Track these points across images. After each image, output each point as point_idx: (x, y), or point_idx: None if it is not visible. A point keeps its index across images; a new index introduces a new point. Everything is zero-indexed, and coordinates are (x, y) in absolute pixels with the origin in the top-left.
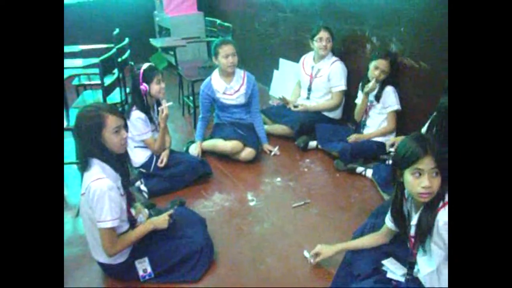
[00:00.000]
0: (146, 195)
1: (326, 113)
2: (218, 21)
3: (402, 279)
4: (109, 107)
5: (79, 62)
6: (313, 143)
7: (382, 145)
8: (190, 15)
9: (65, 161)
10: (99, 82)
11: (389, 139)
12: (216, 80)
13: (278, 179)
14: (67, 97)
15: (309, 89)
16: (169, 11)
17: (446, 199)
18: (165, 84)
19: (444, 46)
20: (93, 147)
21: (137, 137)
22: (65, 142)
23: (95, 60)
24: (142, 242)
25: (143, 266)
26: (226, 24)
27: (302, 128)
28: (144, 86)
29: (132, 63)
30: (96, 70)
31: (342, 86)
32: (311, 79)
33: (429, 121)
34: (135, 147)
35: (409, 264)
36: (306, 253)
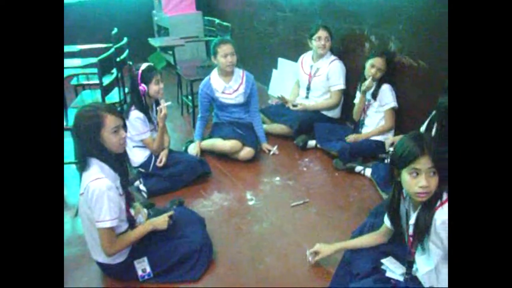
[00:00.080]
0: (145, 195)
1: (325, 112)
2: (217, 21)
3: (401, 278)
4: (107, 107)
5: (77, 61)
6: (312, 142)
7: (381, 144)
8: (189, 14)
9: (64, 161)
10: (97, 81)
11: (388, 138)
12: (215, 80)
13: (277, 178)
14: (65, 97)
15: (308, 88)
16: (168, 10)
17: (444, 198)
18: (163, 83)
19: (443, 44)
20: (92, 147)
21: (136, 137)
22: (64, 142)
23: (94, 60)
24: (141, 242)
25: (142, 266)
26: (224, 23)
27: (301, 127)
28: (142, 87)
29: (131, 62)
30: (95, 70)
31: (341, 85)
32: (310, 78)
33: (428, 120)
34: (134, 146)
35: (408, 263)
36: (307, 252)
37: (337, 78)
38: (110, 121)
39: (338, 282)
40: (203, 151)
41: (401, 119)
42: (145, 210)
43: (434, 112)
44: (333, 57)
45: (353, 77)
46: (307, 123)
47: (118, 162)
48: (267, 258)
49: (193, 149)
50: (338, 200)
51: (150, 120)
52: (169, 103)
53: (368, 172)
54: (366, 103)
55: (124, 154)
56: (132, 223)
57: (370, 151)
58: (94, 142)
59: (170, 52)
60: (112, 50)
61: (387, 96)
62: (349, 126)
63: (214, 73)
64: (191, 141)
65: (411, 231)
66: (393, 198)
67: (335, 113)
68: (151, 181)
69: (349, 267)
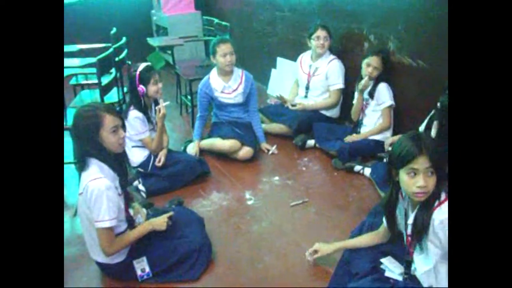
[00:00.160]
0: (144, 195)
1: (324, 112)
2: (216, 20)
3: (400, 278)
4: (106, 106)
5: (76, 61)
6: (311, 142)
7: (379, 143)
8: (188, 14)
9: (64, 161)
10: (96, 81)
11: (386, 137)
12: (214, 79)
13: (276, 178)
14: (64, 96)
15: (307, 88)
16: (167, 10)
17: (442, 198)
18: (162, 83)
19: (442, 44)
20: (91, 147)
21: (135, 137)
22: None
23: (93, 60)
24: (140, 241)
25: (141, 266)
26: (223, 23)
27: (300, 127)
28: (141, 88)
29: (130, 62)
30: (94, 70)
31: (340, 85)
32: (309, 78)
33: (427, 120)
34: (132, 146)
35: (406, 262)
36: (307, 253)
37: (336, 78)
38: (109, 121)
39: (337, 282)
40: (202, 151)
41: (400, 119)
42: (144, 210)
43: (433, 112)
44: (332, 57)
45: (352, 77)
46: (306, 123)
47: (117, 162)
48: (266, 257)
49: (192, 149)
50: (337, 199)
51: (149, 120)
52: (167, 102)
53: (367, 171)
54: (364, 102)
55: (123, 154)
56: (131, 223)
57: (369, 150)
58: (93, 142)
59: (169, 52)
60: (111, 50)
61: (384, 95)
62: (348, 125)
63: (214, 73)
64: (190, 141)
65: (409, 230)
66: (390, 198)
67: (334, 113)
68: (150, 181)
69: (348, 266)
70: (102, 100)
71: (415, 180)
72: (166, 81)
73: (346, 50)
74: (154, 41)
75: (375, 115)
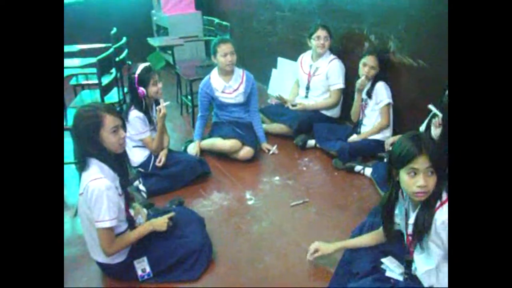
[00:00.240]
0: (144, 195)
1: (324, 112)
2: (216, 20)
3: (401, 278)
4: (107, 106)
5: (76, 61)
6: (311, 142)
7: (379, 143)
8: (188, 14)
9: (64, 161)
10: (96, 81)
11: (386, 136)
12: (215, 79)
13: (277, 178)
14: (64, 97)
15: (307, 88)
16: (167, 10)
17: (444, 198)
18: (162, 83)
19: (443, 44)
20: (91, 147)
21: (135, 137)
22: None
23: (93, 60)
24: (141, 242)
25: (142, 266)
26: (224, 23)
27: (300, 127)
28: (141, 91)
29: (130, 62)
30: (94, 70)
31: (340, 84)
32: (309, 78)
33: (427, 119)
34: (133, 146)
35: (406, 262)
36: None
37: (336, 78)
38: (109, 121)
39: (338, 282)
40: (202, 151)
41: (400, 119)
42: (144, 210)
43: (432, 113)
44: (332, 57)
45: (353, 77)
46: (307, 123)
47: (117, 162)
48: (267, 257)
49: (192, 149)
50: (337, 199)
51: (150, 120)
52: (168, 102)
53: (367, 171)
54: (363, 103)
55: (124, 154)
56: (131, 223)
57: (369, 150)
58: (93, 142)
59: (169, 52)
60: (111, 50)
61: (382, 93)
62: (349, 125)
63: (214, 73)
64: (191, 141)
65: (410, 230)
66: (389, 198)
67: (334, 113)
68: (151, 181)
69: (348, 266)
70: (103, 100)
71: (415, 180)
72: (167, 81)
73: (347, 50)
74: (154, 41)
75: (374, 114)
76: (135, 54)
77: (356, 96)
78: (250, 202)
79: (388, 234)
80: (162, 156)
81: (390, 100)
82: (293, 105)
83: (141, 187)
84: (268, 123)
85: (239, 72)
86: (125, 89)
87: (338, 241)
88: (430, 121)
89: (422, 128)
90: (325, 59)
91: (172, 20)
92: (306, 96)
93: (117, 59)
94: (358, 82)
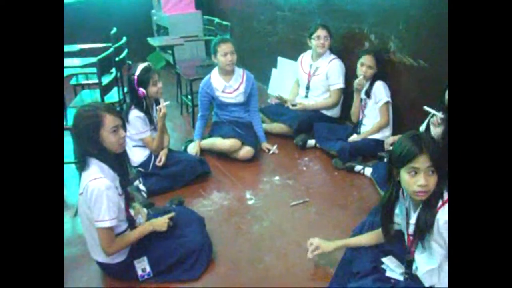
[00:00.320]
0: (144, 194)
1: (324, 112)
2: (216, 20)
3: (401, 278)
4: (107, 106)
5: (77, 61)
6: (311, 142)
7: (379, 142)
8: (188, 13)
9: (64, 161)
10: (97, 81)
11: (386, 136)
12: (215, 78)
13: (277, 177)
14: (64, 96)
15: (307, 88)
16: (167, 10)
17: (445, 197)
18: (162, 83)
19: (443, 44)
20: (91, 147)
21: (136, 136)
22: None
23: (93, 60)
24: (141, 241)
25: (142, 266)
26: (224, 22)
27: (300, 126)
28: (141, 91)
29: (130, 62)
30: (94, 70)
31: (340, 84)
32: (309, 78)
33: (427, 119)
34: (133, 146)
35: (407, 262)
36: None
37: (336, 77)
38: (109, 120)
39: (338, 282)
40: (202, 151)
41: (400, 119)
42: (144, 210)
43: (432, 114)
44: (332, 56)
45: (353, 76)
46: (307, 123)
47: (117, 162)
48: (267, 257)
49: (192, 149)
50: (337, 199)
51: (151, 120)
52: (168, 102)
53: (367, 171)
54: (362, 102)
55: (124, 154)
56: (131, 223)
57: (369, 150)
58: (93, 141)
59: (170, 52)
60: (111, 49)
61: (380, 92)
62: (349, 125)
63: (215, 72)
64: (191, 141)
65: (411, 230)
66: (389, 197)
67: (334, 112)
68: (151, 180)
69: (349, 266)
70: (103, 100)
71: (416, 179)
72: (167, 81)
73: (347, 50)
74: (154, 41)
75: (374, 114)
76: (135, 54)
77: (355, 96)
78: (250, 202)
79: (387, 234)
80: (162, 155)
81: (389, 99)
82: (293, 105)
83: (141, 186)
84: (268, 123)
85: (239, 71)
86: (125, 89)
87: (338, 240)
88: (429, 120)
89: (422, 128)
90: (325, 59)
91: (172, 19)
92: (306, 96)
93: (117, 58)
94: (356, 82)
